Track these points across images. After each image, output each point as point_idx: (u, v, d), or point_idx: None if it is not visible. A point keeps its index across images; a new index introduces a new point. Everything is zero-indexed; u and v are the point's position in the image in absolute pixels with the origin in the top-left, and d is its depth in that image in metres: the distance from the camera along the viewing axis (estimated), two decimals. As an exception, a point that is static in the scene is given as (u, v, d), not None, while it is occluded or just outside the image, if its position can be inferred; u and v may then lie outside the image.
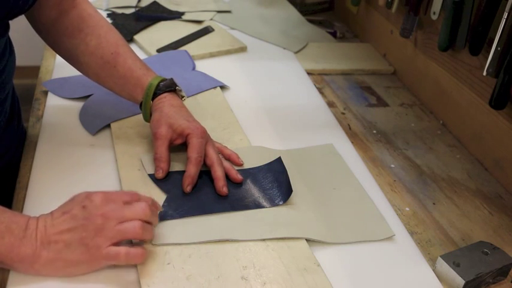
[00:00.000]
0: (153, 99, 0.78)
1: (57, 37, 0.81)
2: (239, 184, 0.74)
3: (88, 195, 0.60)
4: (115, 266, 0.61)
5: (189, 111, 0.79)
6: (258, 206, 0.71)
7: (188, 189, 0.71)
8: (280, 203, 0.71)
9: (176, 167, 0.76)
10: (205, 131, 0.76)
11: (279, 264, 0.63)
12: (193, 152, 0.72)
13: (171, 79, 0.80)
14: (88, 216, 0.58)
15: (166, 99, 0.77)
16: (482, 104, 0.89)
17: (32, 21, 0.82)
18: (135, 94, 0.79)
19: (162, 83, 0.78)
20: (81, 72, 0.84)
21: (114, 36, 0.81)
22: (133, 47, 1.17)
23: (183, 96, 0.82)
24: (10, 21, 0.72)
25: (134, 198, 0.61)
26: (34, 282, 0.58)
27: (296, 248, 0.65)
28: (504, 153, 0.85)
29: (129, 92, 0.80)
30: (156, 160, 0.74)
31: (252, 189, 0.73)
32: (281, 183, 0.73)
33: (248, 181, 0.75)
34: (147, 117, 0.79)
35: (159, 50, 1.14)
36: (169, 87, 0.79)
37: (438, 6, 0.97)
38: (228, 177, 0.74)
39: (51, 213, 0.59)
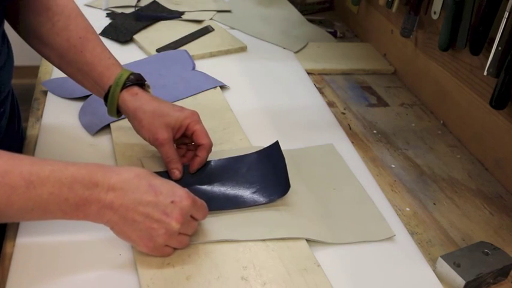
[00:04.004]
0: (121, 91, 0.74)
1: (20, 11, 0.75)
2: (236, 176, 0.74)
3: (179, 191, 0.61)
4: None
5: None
6: (256, 201, 0.71)
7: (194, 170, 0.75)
8: (276, 197, 0.71)
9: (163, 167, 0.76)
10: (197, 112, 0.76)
11: (279, 264, 0.63)
12: (206, 138, 0.74)
13: (139, 74, 0.77)
14: (170, 213, 0.59)
15: (139, 96, 0.74)
16: (483, 104, 0.89)
17: None
18: (101, 83, 0.75)
19: (132, 76, 0.75)
20: (42, 54, 0.79)
21: (84, 21, 0.78)
22: (133, 46, 1.17)
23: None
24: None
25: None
26: (34, 283, 0.58)
27: (296, 248, 0.65)
28: (504, 153, 0.85)
29: (94, 80, 0.76)
30: (169, 163, 0.73)
31: (248, 183, 0.73)
32: (279, 175, 0.73)
33: (244, 172, 0.74)
34: (113, 110, 0.75)
35: (158, 50, 1.14)
36: (139, 80, 0.76)
37: (439, 5, 0.97)
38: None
39: (138, 176, 0.59)
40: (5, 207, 0.53)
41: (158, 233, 0.59)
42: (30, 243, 0.63)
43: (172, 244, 0.61)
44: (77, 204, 0.56)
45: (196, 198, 0.62)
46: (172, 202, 0.59)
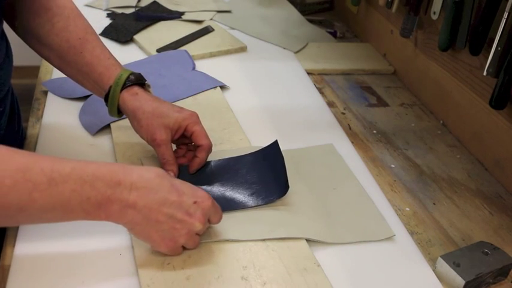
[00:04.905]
0: (121, 91, 0.74)
1: (20, 12, 0.75)
2: (235, 177, 0.74)
3: (200, 192, 0.61)
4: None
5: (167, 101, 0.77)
6: (255, 203, 0.71)
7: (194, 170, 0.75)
8: (275, 197, 0.71)
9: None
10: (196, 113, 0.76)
11: (279, 264, 0.63)
12: (205, 139, 0.74)
13: (140, 73, 0.77)
14: (193, 214, 0.59)
15: (138, 96, 0.74)
16: (483, 104, 0.89)
17: None
18: (101, 83, 0.75)
19: (132, 76, 0.75)
20: (41, 55, 0.79)
21: (84, 22, 0.78)
22: (133, 47, 1.17)
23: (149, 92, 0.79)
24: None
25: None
26: (34, 283, 0.58)
27: (296, 248, 0.65)
28: (504, 153, 0.85)
29: (94, 81, 0.76)
30: (165, 165, 0.73)
31: (248, 183, 0.73)
32: (278, 175, 0.73)
33: (244, 173, 0.75)
34: (114, 110, 0.75)
35: (159, 50, 1.14)
36: (140, 80, 0.76)
37: (438, 6, 0.97)
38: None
39: (159, 175, 0.59)
40: (27, 204, 0.52)
41: (180, 233, 0.59)
42: (30, 244, 0.63)
43: (189, 244, 0.61)
44: (99, 203, 0.55)
45: (214, 200, 0.62)
46: (195, 203, 0.59)
